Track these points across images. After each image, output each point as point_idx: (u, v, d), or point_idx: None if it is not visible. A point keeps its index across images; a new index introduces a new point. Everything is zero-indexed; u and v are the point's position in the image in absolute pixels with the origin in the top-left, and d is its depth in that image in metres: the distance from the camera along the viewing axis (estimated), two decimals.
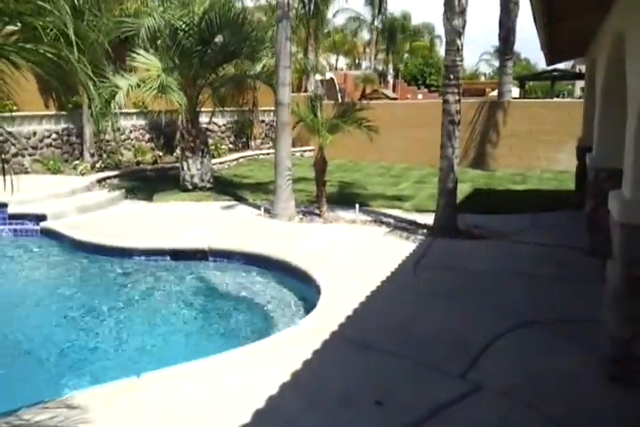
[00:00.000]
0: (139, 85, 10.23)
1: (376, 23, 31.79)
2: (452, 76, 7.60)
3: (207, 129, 16.59)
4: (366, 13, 31.70)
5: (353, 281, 6.00)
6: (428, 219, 8.56)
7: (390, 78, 34.43)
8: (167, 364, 4.38)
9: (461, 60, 7.61)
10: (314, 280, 6.11)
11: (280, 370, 4.00)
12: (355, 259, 6.85)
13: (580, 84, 39.87)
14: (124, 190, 11.21)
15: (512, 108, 15.80)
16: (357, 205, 9.05)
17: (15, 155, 12.26)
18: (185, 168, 11.51)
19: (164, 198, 10.91)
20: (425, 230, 8.15)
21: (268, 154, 17.44)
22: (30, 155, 12.62)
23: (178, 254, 7.64)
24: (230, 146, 18.16)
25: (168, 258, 7.63)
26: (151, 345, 5.27)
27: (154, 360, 4.88)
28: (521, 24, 16.71)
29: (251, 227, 8.65)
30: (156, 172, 13.76)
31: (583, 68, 30.25)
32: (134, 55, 10.41)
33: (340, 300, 5.41)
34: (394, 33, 33.09)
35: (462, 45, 7.51)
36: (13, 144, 12.17)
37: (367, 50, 38.33)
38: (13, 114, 12.05)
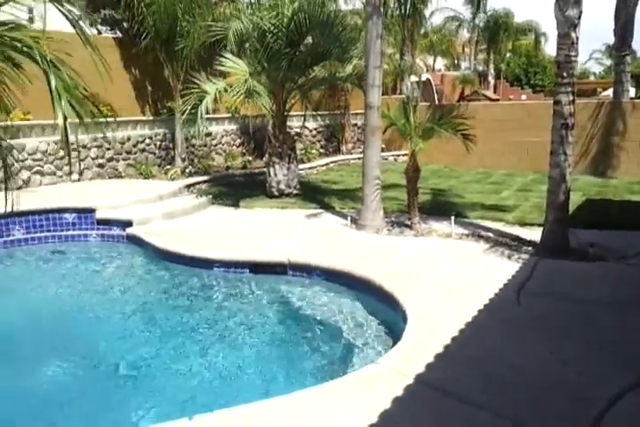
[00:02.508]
0: (226, 90, 10.00)
1: (477, 21, 30.26)
2: (564, 74, 6.63)
3: (297, 133, 16.30)
4: (465, 12, 30.29)
5: (445, 308, 5.27)
6: (534, 234, 7.59)
7: (491, 79, 32.68)
8: (224, 398, 3.92)
9: (576, 56, 6.62)
10: (400, 305, 5.44)
11: (353, 422, 3.39)
12: (448, 280, 6.09)
13: None
14: (210, 196, 11.04)
15: (633, 109, 14.19)
16: (453, 217, 8.24)
17: (110, 159, 12.50)
18: (272, 174, 11.18)
19: (249, 205, 10.61)
20: (530, 248, 7.20)
21: (359, 158, 16.73)
22: (124, 159, 12.83)
23: (257, 267, 7.25)
24: (321, 150, 17.76)
25: (247, 271, 7.26)
26: (209, 375, 4.79)
27: (210, 394, 4.43)
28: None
29: (335, 238, 8.09)
30: (245, 177, 13.57)
31: None
32: (222, 59, 10.19)
33: (429, 332, 4.70)
34: (496, 31, 31.36)
35: (577, 39, 6.52)
36: (108, 149, 12.40)
37: (466, 50, 36.68)
38: (109, 120, 12.30)
